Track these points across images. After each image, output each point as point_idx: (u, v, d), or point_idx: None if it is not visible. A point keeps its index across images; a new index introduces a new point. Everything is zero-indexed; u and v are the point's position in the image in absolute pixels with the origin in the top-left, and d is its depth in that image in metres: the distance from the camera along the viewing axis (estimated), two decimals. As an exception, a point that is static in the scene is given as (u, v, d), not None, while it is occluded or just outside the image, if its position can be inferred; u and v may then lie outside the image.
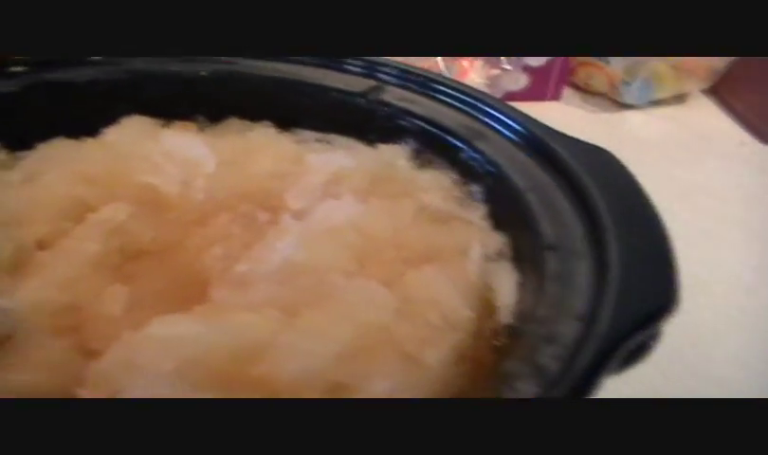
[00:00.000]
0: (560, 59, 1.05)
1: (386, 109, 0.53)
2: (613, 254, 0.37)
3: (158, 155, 0.49)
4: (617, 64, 1.07)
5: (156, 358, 0.35)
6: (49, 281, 0.40)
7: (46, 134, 0.50)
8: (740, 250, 0.79)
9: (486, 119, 0.50)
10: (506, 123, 0.49)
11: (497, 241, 0.45)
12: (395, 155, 0.51)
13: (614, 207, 0.40)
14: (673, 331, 0.65)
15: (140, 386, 0.34)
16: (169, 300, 0.41)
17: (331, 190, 0.47)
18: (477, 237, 0.44)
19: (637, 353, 0.35)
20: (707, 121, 1.08)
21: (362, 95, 0.54)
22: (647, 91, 1.08)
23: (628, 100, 1.08)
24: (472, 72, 0.98)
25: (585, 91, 1.14)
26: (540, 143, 0.47)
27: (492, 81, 1.01)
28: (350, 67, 0.57)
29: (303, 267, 0.41)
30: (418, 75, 0.55)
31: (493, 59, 1.00)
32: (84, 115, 0.52)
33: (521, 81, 1.04)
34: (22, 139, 0.48)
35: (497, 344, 0.38)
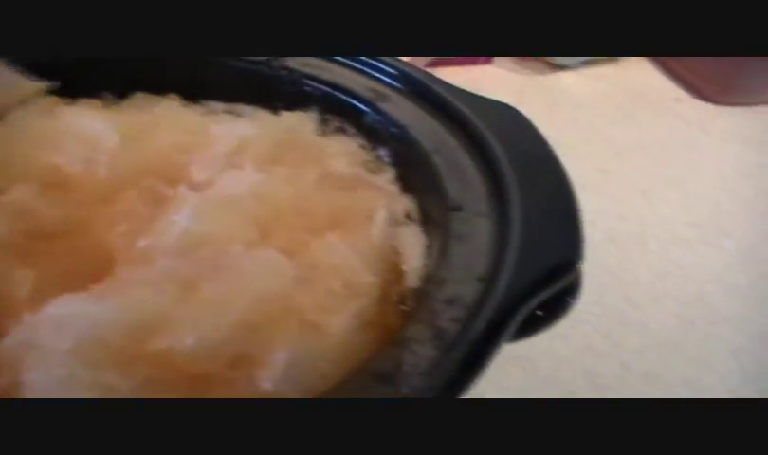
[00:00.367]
0: (492, 21, 1.05)
1: (289, 75, 0.52)
2: (516, 212, 0.37)
3: (61, 135, 0.48)
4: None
5: (54, 338, 0.34)
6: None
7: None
8: (676, 206, 0.80)
9: (391, 81, 0.50)
10: (411, 84, 0.49)
11: (404, 204, 0.44)
12: (300, 122, 0.50)
13: (519, 164, 0.40)
14: (610, 289, 0.67)
15: (40, 367, 0.34)
16: (75, 279, 0.40)
17: (234, 160, 0.46)
18: (383, 201, 0.43)
19: (556, 309, 0.36)
20: (641, 79, 1.08)
21: (265, 63, 0.53)
22: (580, 51, 1.08)
23: (561, 61, 1.08)
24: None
25: (518, 53, 1.13)
26: (445, 103, 0.46)
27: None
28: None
29: (202, 239, 0.40)
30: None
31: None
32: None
33: (452, 45, 1.03)
34: None
35: (404, 309, 0.38)
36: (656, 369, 0.60)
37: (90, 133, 0.48)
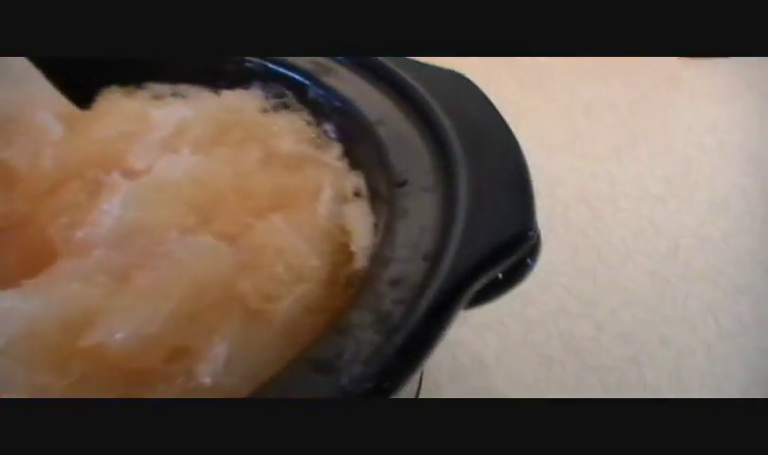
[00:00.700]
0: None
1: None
2: (463, 185, 0.36)
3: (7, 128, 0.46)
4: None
5: None
6: None
7: None
8: (647, 163, 0.80)
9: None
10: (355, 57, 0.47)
11: (352, 181, 0.43)
12: (242, 101, 0.48)
13: (467, 134, 0.38)
14: (583, 250, 0.66)
15: None
16: (18, 274, 0.38)
17: (173, 144, 0.44)
18: (329, 179, 0.42)
19: (516, 273, 0.35)
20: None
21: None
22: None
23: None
24: None
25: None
26: (390, 73, 0.45)
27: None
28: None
29: (137, 227, 0.38)
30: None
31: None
32: None
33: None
34: None
35: (352, 292, 0.36)
36: (632, 328, 0.61)
37: (38, 124, 0.46)
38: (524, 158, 0.37)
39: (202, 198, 0.40)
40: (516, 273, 0.35)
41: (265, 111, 0.48)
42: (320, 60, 0.47)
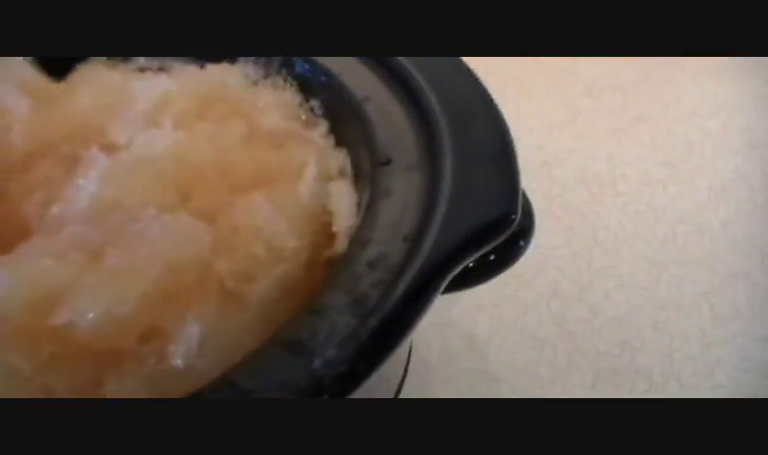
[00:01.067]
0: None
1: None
2: (447, 164, 0.35)
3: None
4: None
5: None
6: None
7: None
8: (648, 145, 0.79)
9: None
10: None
11: (338, 159, 0.42)
12: (227, 75, 0.47)
13: (453, 111, 0.37)
14: (579, 231, 0.66)
15: None
16: None
17: (154, 118, 0.43)
18: (313, 157, 0.41)
19: (508, 253, 0.35)
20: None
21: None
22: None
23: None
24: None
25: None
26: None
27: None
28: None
29: (113, 205, 0.38)
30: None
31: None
32: None
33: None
34: None
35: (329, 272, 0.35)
36: (626, 312, 0.60)
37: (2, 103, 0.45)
38: (511, 137, 0.36)
39: (182, 175, 0.39)
40: (508, 254, 0.35)
41: (250, 85, 0.47)
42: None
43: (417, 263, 0.31)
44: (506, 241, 0.33)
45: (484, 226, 0.32)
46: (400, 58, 0.41)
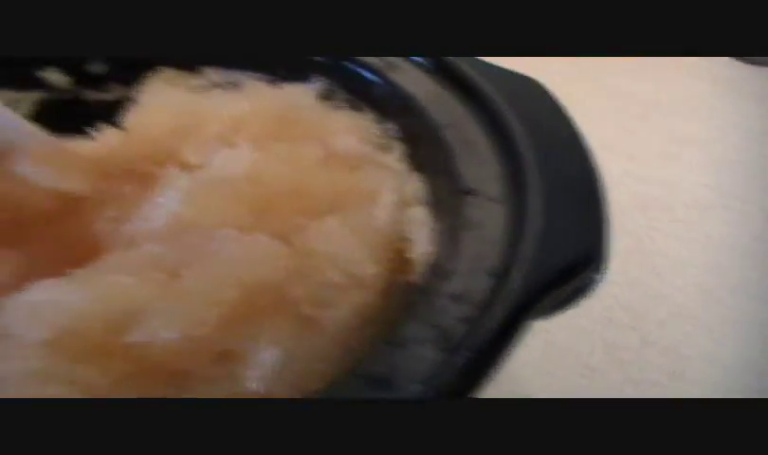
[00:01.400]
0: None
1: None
2: (534, 199, 0.34)
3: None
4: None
5: (29, 327, 0.33)
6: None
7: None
8: (701, 170, 0.77)
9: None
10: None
11: (413, 185, 0.42)
12: (303, 96, 0.47)
13: (540, 143, 0.37)
14: (633, 257, 0.65)
15: (13, 358, 0.32)
16: (61, 264, 0.38)
17: (229, 139, 0.44)
18: (390, 182, 0.41)
19: (581, 290, 0.34)
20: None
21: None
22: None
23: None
24: None
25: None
26: (458, 72, 0.43)
27: None
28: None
29: (190, 224, 0.38)
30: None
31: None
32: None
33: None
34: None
35: (407, 302, 0.35)
36: (678, 343, 0.59)
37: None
38: (599, 174, 0.36)
39: (257, 196, 0.40)
40: (581, 290, 0.34)
41: (325, 107, 0.47)
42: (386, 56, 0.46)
43: (505, 300, 0.30)
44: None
45: (571, 264, 0.32)
46: (483, 83, 0.41)
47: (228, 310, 0.34)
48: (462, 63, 0.44)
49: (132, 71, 0.50)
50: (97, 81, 0.53)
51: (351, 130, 0.45)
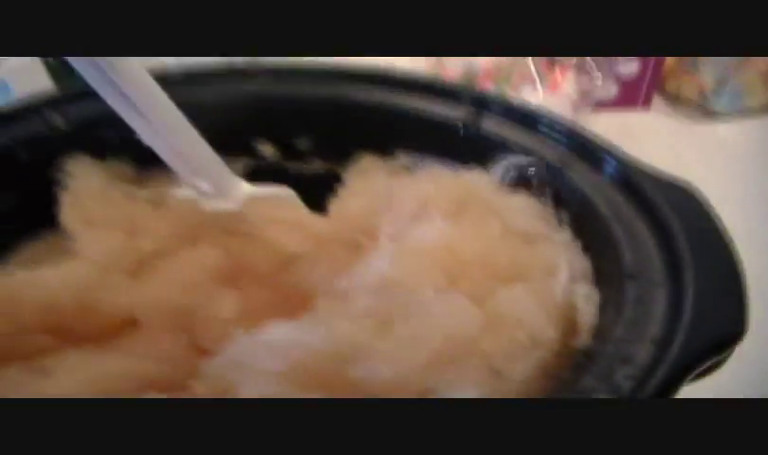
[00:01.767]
0: (651, 68, 1.09)
1: (482, 137, 0.58)
2: (689, 285, 0.41)
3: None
4: (707, 72, 1.10)
5: (267, 360, 0.41)
6: (169, 283, 0.47)
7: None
8: None
9: (577, 151, 0.54)
10: (596, 157, 0.53)
11: (583, 263, 0.49)
12: (480, 180, 0.55)
13: (693, 241, 0.44)
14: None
15: (251, 384, 0.40)
16: (275, 308, 0.48)
17: (418, 215, 0.52)
18: (564, 258, 0.48)
19: (709, 369, 0.40)
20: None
21: (461, 121, 0.59)
22: (737, 99, 1.11)
23: (717, 108, 1.11)
24: (564, 84, 1.01)
25: (675, 99, 1.17)
26: (626, 176, 0.50)
27: (584, 91, 1.04)
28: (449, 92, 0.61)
29: (397, 283, 0.46)
30: (520, 108, 0.59)
31: (584, 70, 1.03)
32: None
33: (612, 91, 1.07)
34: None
35: (577, 362, 0.42)
36: None
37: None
38: (742, 268, 0.43)
39: (450, 263, 0.48)
40: (722, 361, 0.40)
41: (502, 192, 0.55)
42: (564, 158, 0.54)
43: (666, 364, 0.37)
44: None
45: (720, 339, 0.39)
46: (645, 183, 0.49)
47: (431, 355, 0.41)
48: (625, 164, 0.51)
49: (334, 149, 0.60)
50: (301, 155, 0.63)
51: (525, 211, 0.53)
